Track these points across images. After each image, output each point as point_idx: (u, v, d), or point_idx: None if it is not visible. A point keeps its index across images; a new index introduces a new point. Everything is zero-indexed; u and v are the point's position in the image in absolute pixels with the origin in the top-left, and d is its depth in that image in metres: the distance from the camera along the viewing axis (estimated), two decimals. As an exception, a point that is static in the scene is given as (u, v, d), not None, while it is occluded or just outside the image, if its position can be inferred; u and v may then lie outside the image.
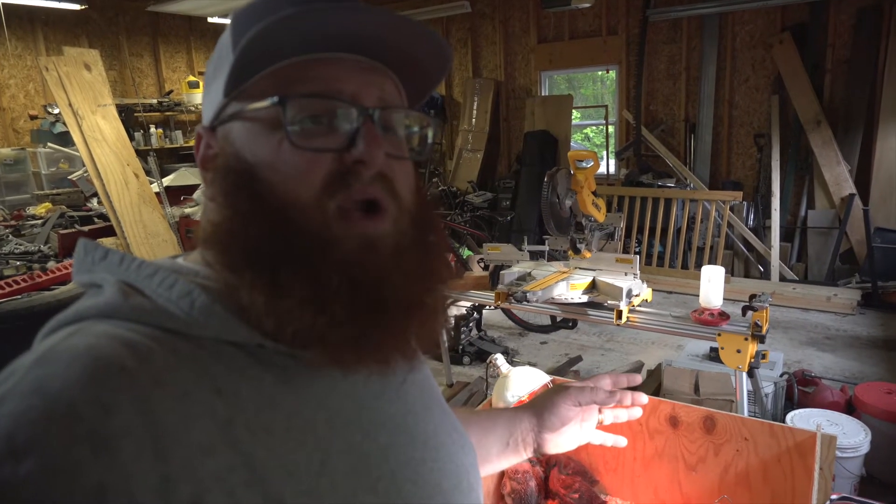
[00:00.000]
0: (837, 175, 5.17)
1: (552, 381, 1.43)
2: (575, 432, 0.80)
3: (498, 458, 0.78)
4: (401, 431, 0.51)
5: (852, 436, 2.28)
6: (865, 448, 2.26)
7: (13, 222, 4.82)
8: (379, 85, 0.51)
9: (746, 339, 2.00)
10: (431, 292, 0.52)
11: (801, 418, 2.39)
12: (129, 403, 0.37)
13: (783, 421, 2.42)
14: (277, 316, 0.45)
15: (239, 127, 0.50)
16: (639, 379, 0.84)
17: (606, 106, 6.76)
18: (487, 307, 3.89)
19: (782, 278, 5.31)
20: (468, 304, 3.88)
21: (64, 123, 4.00)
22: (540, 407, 0.79)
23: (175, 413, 0.38)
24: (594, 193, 2.51)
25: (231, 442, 0.40)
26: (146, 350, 0.40)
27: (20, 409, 0.35)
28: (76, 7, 5.78)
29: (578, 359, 3.86)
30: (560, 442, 0.79)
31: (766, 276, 5.44)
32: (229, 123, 0.50)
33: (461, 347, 3.94)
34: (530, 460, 1.50)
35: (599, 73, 7.52)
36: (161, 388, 0.39)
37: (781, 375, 2.85)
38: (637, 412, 0.83)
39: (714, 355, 2.90)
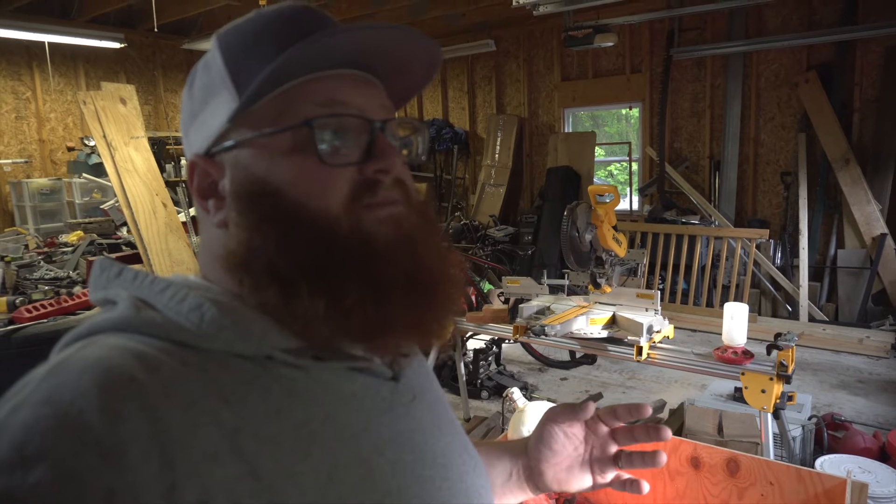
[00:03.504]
0: (868, 214, 5.07)
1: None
2: (578, 468, 0.70)
3: (501, 489, 0.74)
4: (408, 448, 0.51)
5: (886, 485, 2.17)
6: (901, 498, 2.16)
7: (46, 249, 4.95)
8: (378, 96, 0.55)
9: (771, 379, 1.95)
10: (448, 272, 0.55)
11: (832, 464, 2.30)
12: (138, 412, 0.37)
13: (812, 466, 2.32)
14: (337, 319, 0.47)
15: (253, 151, 0.51)
16: (648, 410, 0.69)
17: (630, 143, 6.77)
18: (507, 341, 3.85)
19: (811, 318, 5.18)
20: (487, 337, 3.84)
21: (98, 155, 4.14)
22: (532, 435, 0.73)
23: (182, 422, 0.39)
24: (615, 228, 2.49)
25: (237, 451, 0.40)
26: (156, 361, 0.41)
27: (31, 418, 0.36)
28: (116, 45, 6.02)
29: (599, 396, 3.77)
30: (560, 477, 0.70)
31: (794, 315, 5.30)
32: (238, 150, 0.51)
33: (480, 381, 3.89)
34: (549, 496, 1.46)
35: (623, 110, 7.56)
36: (169, 398, 0.39)
37: (810, 418, 2.75)
38: (662, 459, 0.67)
39: (738, 395, 2.82)
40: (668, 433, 0.68)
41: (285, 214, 0.49)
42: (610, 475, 0.70)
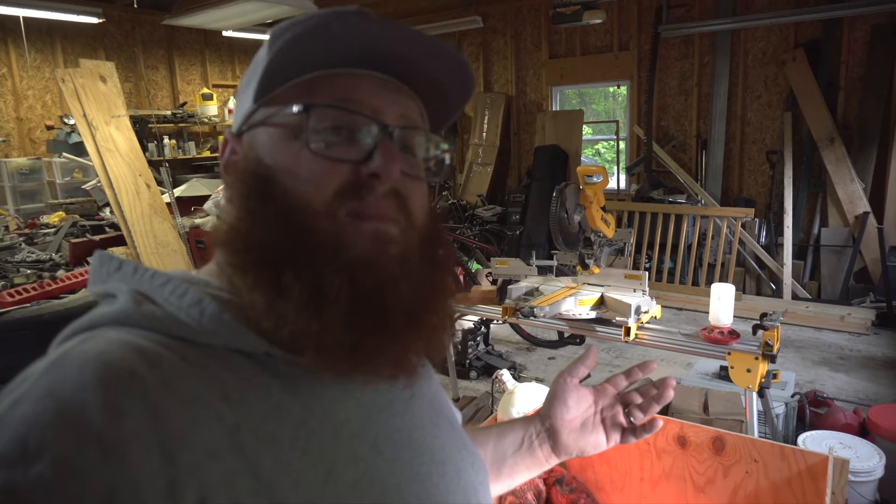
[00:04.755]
0: (851, 193, 5.12)
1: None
2: (591, 426, 0.75)
3: (513, 458, 0.75)
4: (407, 446, 0.51)
5: (866, 459, 2.23)
6: (879, 472, 2.21)
7: (27, 230, 4.86)
8: (402, 104, 0.53)
9: (757, 359, 1.97)
10: (436, 309, 0.52)
11: (814, 440, 2.35)
12: (139, 407, 0.37)
13: (795, 443, 2.37)
14: (276, 317, 0.45)
15: (263, 132, 0.52)
16: (653, 366, 0.76)
17: (617, 121, 6.76)
18: (495, 321, 3.87)
19: (795, 296, 5.25)
20: (476, 318, 3.86)
21: (79, 134, 4.06)
22: (547, 399, 0.76)
23: (183, 418, 0.39)
24: (603, 209, 2.49)
25: (237, 448, 0.40)
26: (156, 356, 0.41)
27: (32, 412, 0.36)
28: (94, 20, 5.86)
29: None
30: (574, 436, 0.74)
31: (778, 294, 5.38)
32: (255, 129, 0.52)
33: (468, 362, 3.91)
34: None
35: (611, 88, 7.53)
36: (170, 394, 0.39)
37: (793, 396, 2.81)
38: (669, 395, 0.73)
39: (724, 374, 2.86)
40: (672, 380, 0.74)
41: (265, 197, 0.48)
42: (618, 436, 0.75)
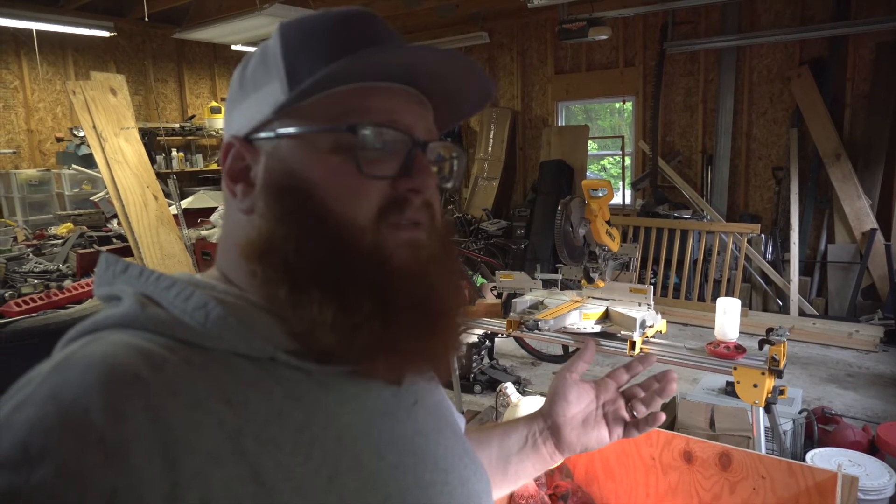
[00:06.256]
0: (858, 209, 5.10)
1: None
2: (593, 422, 0.74)
3: (518, 457, 0.75)
4: (410, 452, 0.51)
5: (876, 477, 2.20)
6: (890, 491, 2.18)
7: (35, 241, 4.90)
8: (426, 117, 0.55)
9: (763, 374, 1.95)
10: (456, 308, 0.55)
11: (822, 458, 2.32)
12: (142, 411, 0.37)
13: (803, 460, 2.34)
14: (343, 331, 0.47)
15: (293, 145, 0.51)
16: (653, 359, 0.76)
17: (623, 137, 6.78)
18: (500, 335, 3.86)
19: (802, 313, 5.22)
20: (480, 331, 3.85)
21: (88, 146, 4.10)
22: (548, 397, 0.76)
23: (186, 422, 0.39)
24: (608, 223, 2.49)
25: (239, 452, 0.40)
26: (160, 359, 0.41)
27: (35, 416, 0.36)
28: (106, 34, 5.95)
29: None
30: (577, 432, 0.74)
31: (784, 310, 5.34)
32: (277, 140, 0.51)
33: (472, 376, 3.90)
34: (538, 482, 1.47)
35: (616, 104, 7.56)
36: (173, 397, 0.39)
37: (801, 412, 2.78)
38: (672, 388, 0.73)
39: (730, 390, 2.84)
40: (674, 374, 0.74)
41: (311, 214, 0.49)
42: (620, 430, 0.75)
